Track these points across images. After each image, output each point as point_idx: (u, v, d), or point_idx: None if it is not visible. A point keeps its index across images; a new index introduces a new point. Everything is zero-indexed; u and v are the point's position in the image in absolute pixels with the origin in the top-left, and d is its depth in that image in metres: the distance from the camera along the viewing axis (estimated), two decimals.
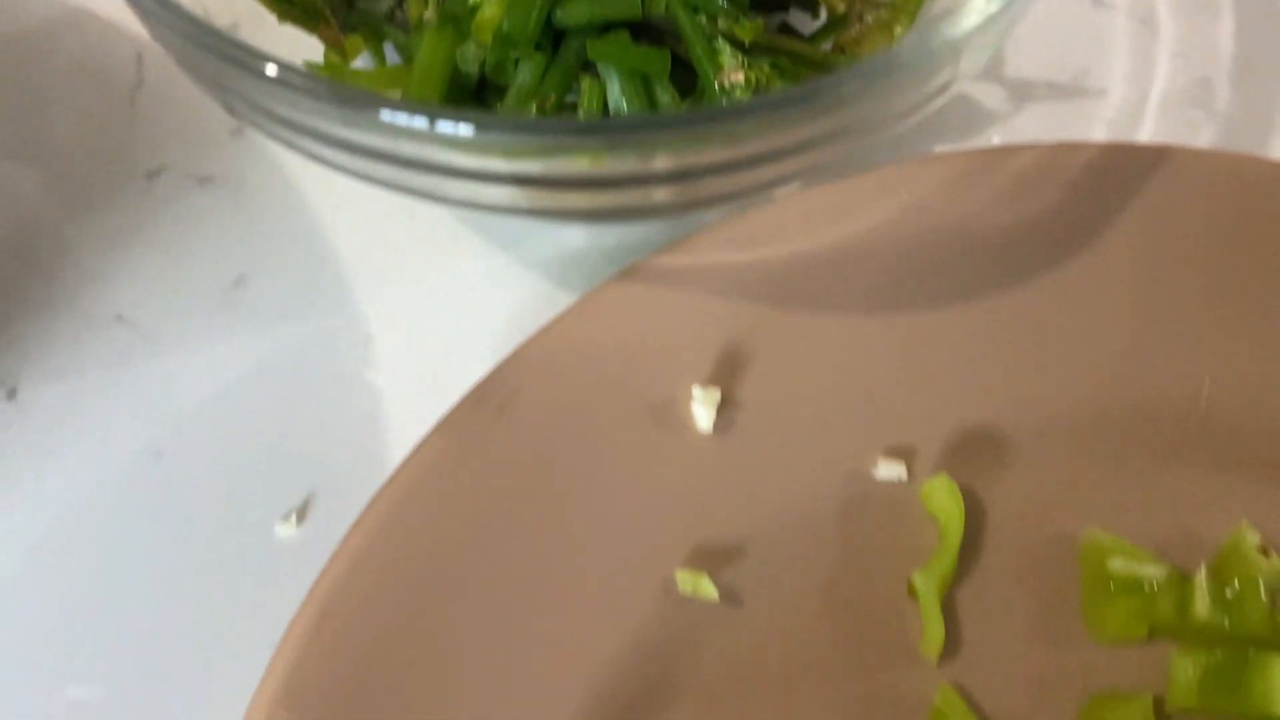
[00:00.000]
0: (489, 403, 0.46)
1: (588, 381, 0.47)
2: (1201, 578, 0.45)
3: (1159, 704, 0.44)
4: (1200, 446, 0.48)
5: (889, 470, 0.47)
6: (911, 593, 0.46)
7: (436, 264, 0.55)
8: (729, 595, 0.46)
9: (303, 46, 0.52)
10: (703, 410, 0.47)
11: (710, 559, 0.46)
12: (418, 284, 0.55)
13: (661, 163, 0.41)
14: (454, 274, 0.55)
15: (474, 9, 0.48)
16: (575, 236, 0.55)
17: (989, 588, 0.47)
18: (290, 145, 0.43)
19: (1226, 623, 0.45)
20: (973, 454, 0.48)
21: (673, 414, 0.47)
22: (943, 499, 0.46)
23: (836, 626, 0.46)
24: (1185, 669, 0.44)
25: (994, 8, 0.42)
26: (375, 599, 0.44)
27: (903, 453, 0.48)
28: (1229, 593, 0.45)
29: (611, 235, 0.55)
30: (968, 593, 0.47)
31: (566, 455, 0.46)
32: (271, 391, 0.52)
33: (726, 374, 0.48)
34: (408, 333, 0.53)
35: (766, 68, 0.49)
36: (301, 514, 0.50)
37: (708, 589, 0.45)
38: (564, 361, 0.47)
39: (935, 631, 0.45)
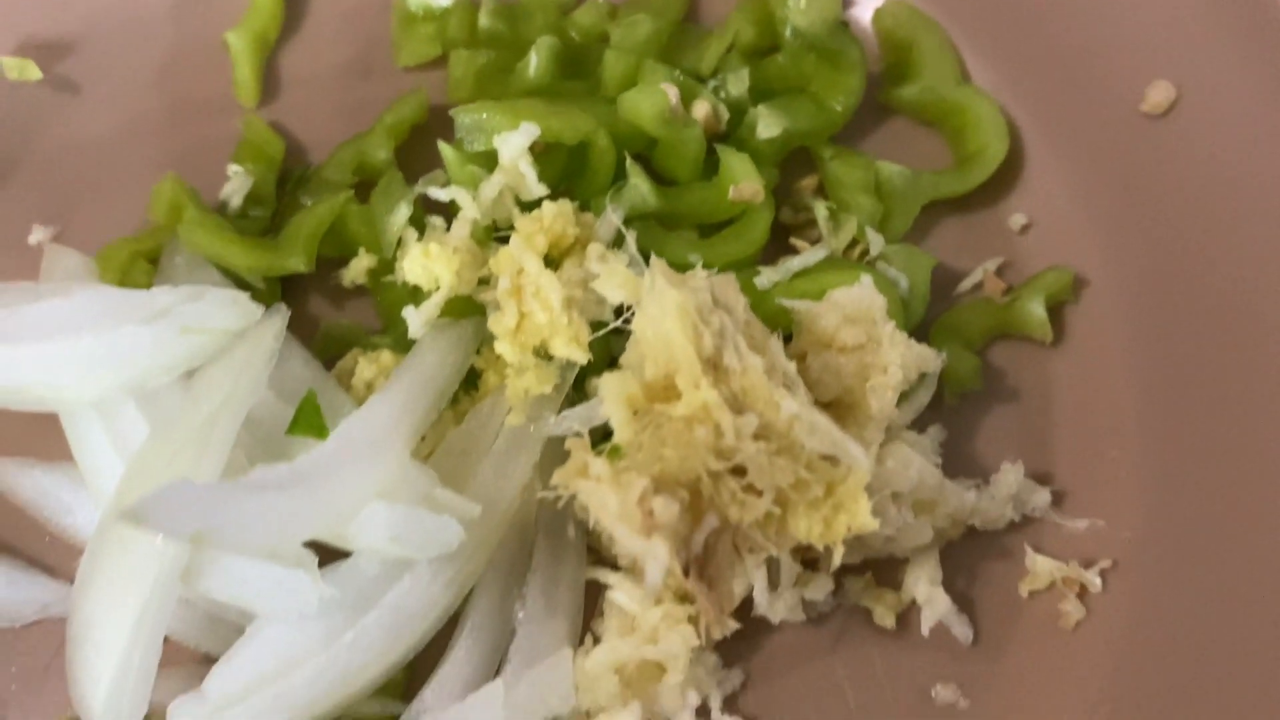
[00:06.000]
0: None
1: None
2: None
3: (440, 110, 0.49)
4: None
5: None
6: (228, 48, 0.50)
7: None
8: (64, 82, 0.50)
9: None
10: None
11: (43, 51, 0.50)
12: None
13: None
14: None
15: None
16: None
17: (311, 44, 0.51)
18: None
19: (508, 31, 0.49)
20: None
21: None
22: None
23: (164, 96, 0.50)
24: (460, 66, 0.49)
25: None
26: None
27: None
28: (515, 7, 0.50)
29: None
30: (291, 49, 0.51)
31: None
32: None
33: None
34: None
35: None
36: None
37: (33, 72, 0.49)
38: None
39: (245, 75, 0.50)
